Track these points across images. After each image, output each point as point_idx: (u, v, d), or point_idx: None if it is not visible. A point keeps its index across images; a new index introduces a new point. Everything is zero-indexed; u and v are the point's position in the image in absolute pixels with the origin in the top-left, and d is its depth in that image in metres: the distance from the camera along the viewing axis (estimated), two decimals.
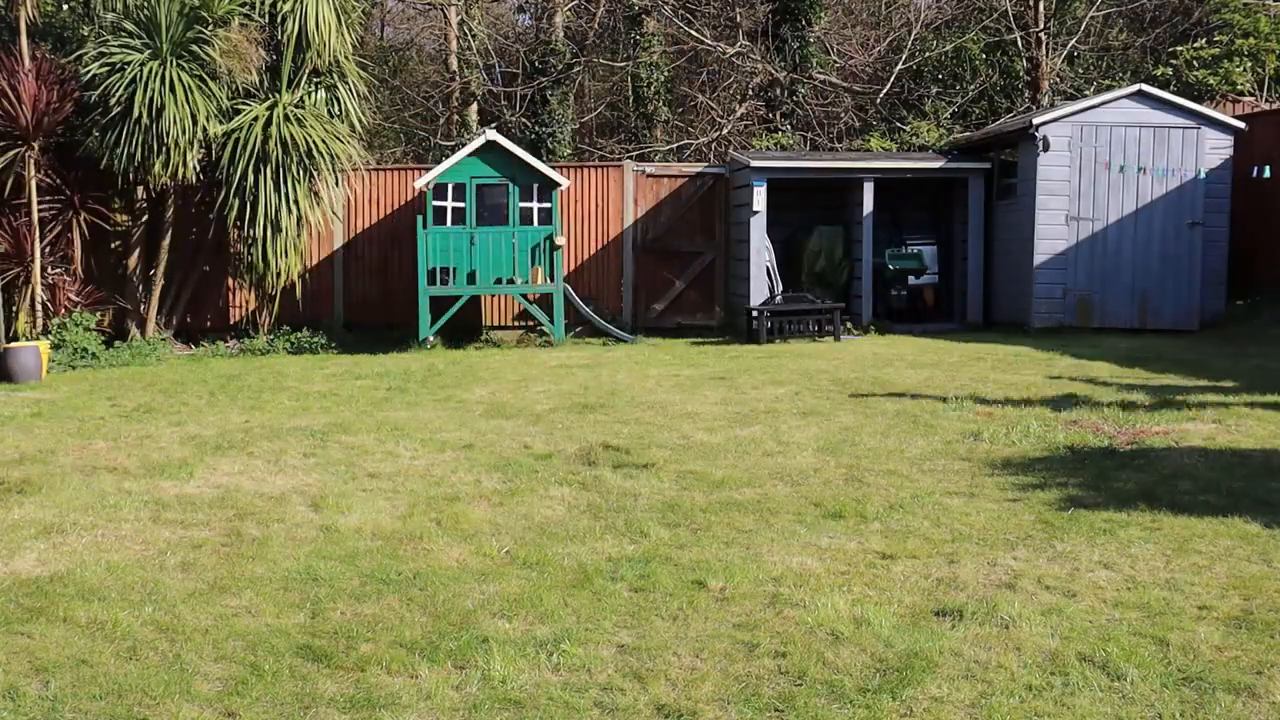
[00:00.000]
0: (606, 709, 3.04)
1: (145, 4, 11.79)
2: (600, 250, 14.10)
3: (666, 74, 18.61)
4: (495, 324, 13.75)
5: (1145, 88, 12.57)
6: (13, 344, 10.41)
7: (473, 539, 4.58)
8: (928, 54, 18.26)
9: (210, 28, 11.73)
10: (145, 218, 12.75)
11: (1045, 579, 3.95)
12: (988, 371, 9.14)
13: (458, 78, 19.48)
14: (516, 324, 13.68)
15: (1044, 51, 17.70)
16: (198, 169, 12.07)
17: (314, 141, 12.10)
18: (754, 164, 13.00)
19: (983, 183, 13.52)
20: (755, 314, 12.40)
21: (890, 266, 13.68)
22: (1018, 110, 17.07)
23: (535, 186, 12.75)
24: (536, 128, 17.79)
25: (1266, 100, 15.82)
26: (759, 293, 12.94)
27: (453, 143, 18.00)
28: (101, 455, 6.35)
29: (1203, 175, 12.13)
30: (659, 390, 8.59)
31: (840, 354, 10.82)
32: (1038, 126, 12.29)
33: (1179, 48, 17.37)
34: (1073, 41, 17.94)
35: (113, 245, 12.86)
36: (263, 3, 12.25)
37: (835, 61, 18.61)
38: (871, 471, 5.62)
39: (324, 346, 12.65)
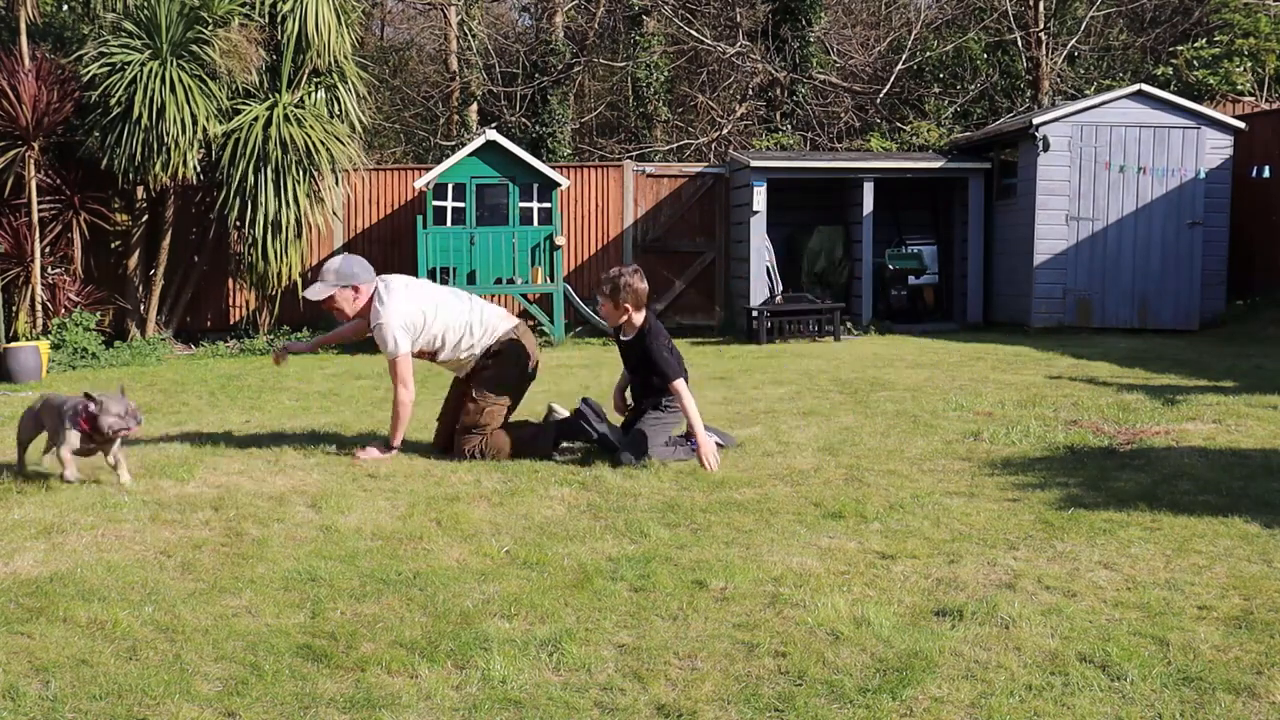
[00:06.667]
0: (606, 709, 3.04)
1: (145, 4, 11.79)
2: (600, 250, 14.10)
3: (666, 74, 18.61)
4: None
5: (1145, 88, 12.56)
6: (13, 344, 10.42)
7: (473, 539, 4.58)
8: (928, 54, 18.27)
9: (210, 28, 11.73)
10: (145, 218, 12.75)
11: (1045, 579, 3.94)
12: (988, 371, 9.15)
13: (458, 78, 19.48)
14: None
15: (1044, 51, 17.71)
16: (198, 169, 12.08)
17: (314, 142, 12.10)
18: (754, 164, 13.00)
19: (983, 183, 13.52)
20: (755, 314, 12.39)
21: (890, 266, 13.68)
22: (1018, 110, 17.08)
23: (535, 186, 12.75)
24: (536, 128, 17.80)
25: (1266, 100, 15.82)
26: (759, 293, 12.93)
27: (453, 143, 18.01)
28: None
29: (1203, 175, 12.13)
30: None
31: (840, 354, 10.82)
32: (1038, 126, 12.29)
33: (1179, 48, 17.38)
34: (1073, 41, 17.96)
35: (113, 245, 12.86)
36: (263, 3, 12.25)
37: (835, 61, 18.62)
38: (871, 471, 5.62)
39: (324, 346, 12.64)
